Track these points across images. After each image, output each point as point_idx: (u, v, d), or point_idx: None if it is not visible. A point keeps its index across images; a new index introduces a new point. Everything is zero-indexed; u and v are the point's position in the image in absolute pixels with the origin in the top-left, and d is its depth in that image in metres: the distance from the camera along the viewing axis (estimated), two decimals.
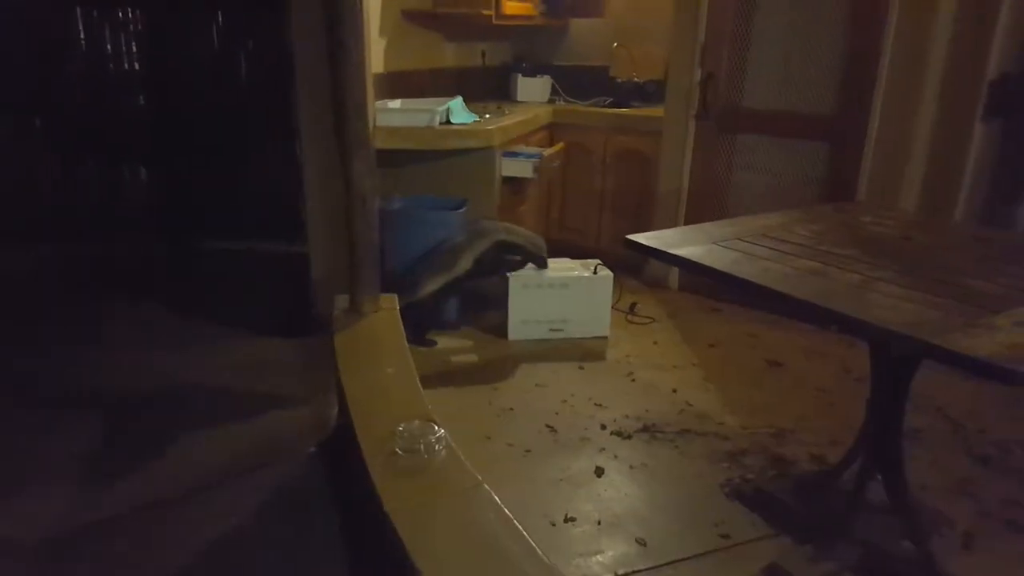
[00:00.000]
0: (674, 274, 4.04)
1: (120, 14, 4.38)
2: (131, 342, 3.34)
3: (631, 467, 2.42)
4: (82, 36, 4.39)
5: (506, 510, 1.47)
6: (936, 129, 3.15)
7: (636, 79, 4.46)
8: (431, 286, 3.13)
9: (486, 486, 1.56)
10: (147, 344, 3.30)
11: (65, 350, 3.23)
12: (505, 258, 3.29)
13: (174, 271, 4.39)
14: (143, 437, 2.57)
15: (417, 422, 1.78)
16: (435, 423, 1.77)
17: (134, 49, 4.47)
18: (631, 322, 3.56)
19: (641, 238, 2.00)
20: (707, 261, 1.83)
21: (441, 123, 3.43)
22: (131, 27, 4.42)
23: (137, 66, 4.50)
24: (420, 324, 3.19)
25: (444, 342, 3.34)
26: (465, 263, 3.18)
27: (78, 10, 4.33)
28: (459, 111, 3.57)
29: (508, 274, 3.33)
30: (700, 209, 3.86)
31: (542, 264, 3.34)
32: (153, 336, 3.41)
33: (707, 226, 2.21)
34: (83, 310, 3.72)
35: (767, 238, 2.04)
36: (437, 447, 1.69)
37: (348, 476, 2.25)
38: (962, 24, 2.99)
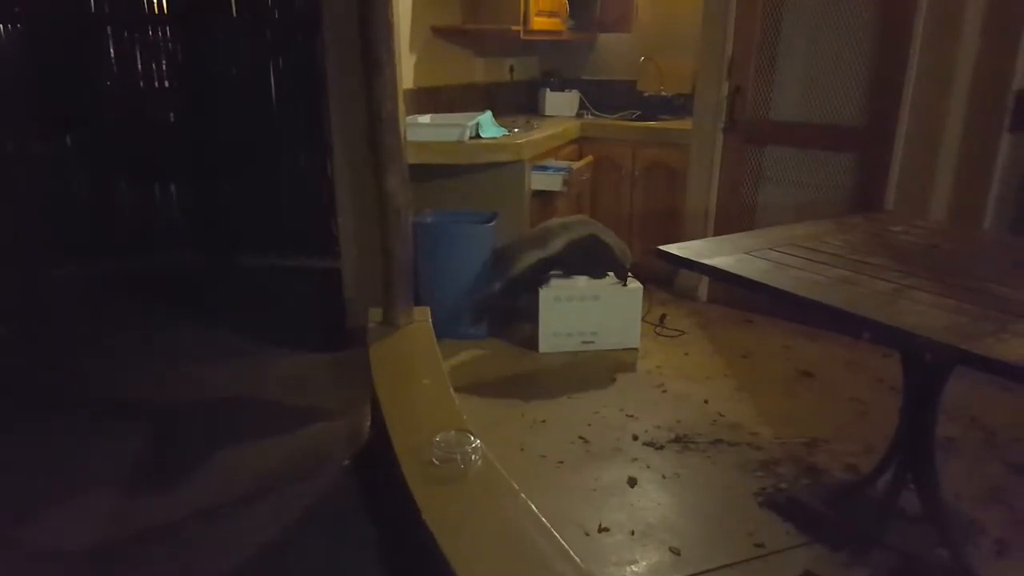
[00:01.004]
0: (704, 286, 4.04)
1: (151, 32, 4.52)
2: (171, 355, 3.44)
3: (663, 477, 2.43)
4: (113, 54, 4.52)
5: (543, 519, 1.50)
6: (963, 139, 3.14)
7: (663, 92, 4.50)
8: (526, 260, 3.21)
9: (523, 495, 1.59)
10: (188, 357, 3.40)
11: (113, 362, 3.34)
12: (593, 255, 3.31)
13: (211, 287, 4.51)
14: (186, 449, 2.65)
15: (453, 432, 1.81)
16: (471, 433, 1.81)
17: (164, 67, 4.60)
18: (660, 335, 3.56)
19: (673, 248, 2.03)
20: (738, 270, 1.85)
21: (471, 137, 3.49)
22: (163, 45, 4.55)
23: (167, 83, 4.63)
24: (508, 305, 3.30)
25: (476, 354, 3.39)
26: (559, 243, 3.25)
27: (109, 29, 4.47)
28: (488, 125, 3.63)
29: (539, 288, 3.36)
30: (728, 220, 3.87)
31: (622, 275, 3.36)
32: (193, 350, 3.51)
33: (737, 236, 2.23)
34: (127, 324, 3.84)
35: (798, 247, 2.06)
36: (473, 457, 1.73)
37: (383, 487, 2.30)
38: (987, 36, 2.99)
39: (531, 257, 3.26)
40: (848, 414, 2.85)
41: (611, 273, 3.40)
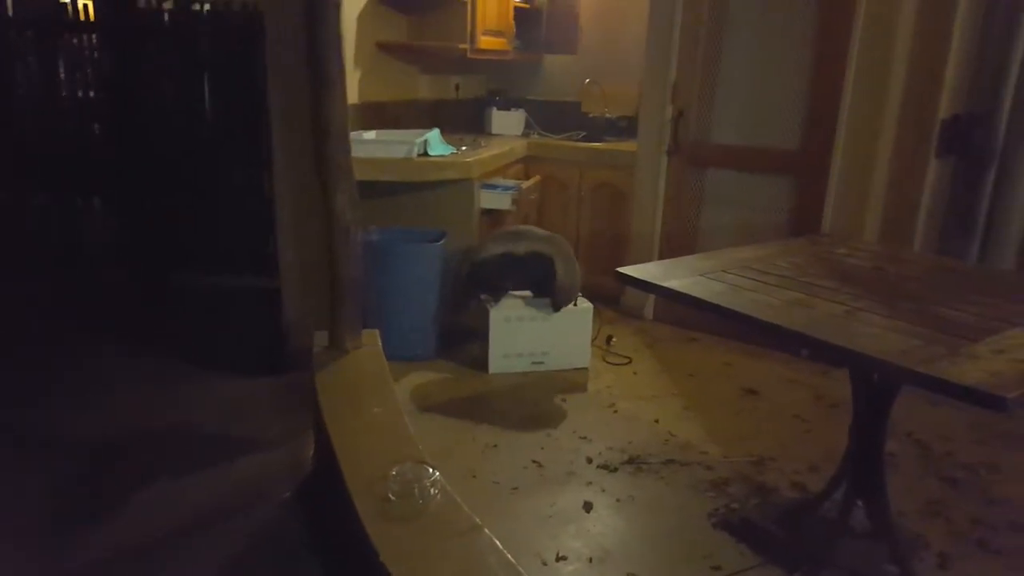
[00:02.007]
0: (650, 304, 4.08)
1: (76, 40, 4.30)
2: (97, 381, 3.23)
3: (618, 500, 2.42)
4: (34, 63, 4.29)
5: (508, 554, 1.46)
6: (894, 164, 3.29)
7: (608, 114, 4.55)
8: (493, 250, 3.30)
9: (486, 530, 1.54)
10: (115, 383, 3.21)
11: (31, 390, 3.12)
12: (542, 276, 3.31)
13: (141, 307, 4.29)
14: (114, 482, 2.48)
15: (410, 464, 1.75)
16: (428, 465, 1.75)
17: (89, 76, 4.38)
18: (608, 362, 3.56)
19: (631, 271, 2.03)
20: (696, 293, 1.86)
21: (419, 155, 3.45)
22: (88, 53, 4.33)
23: (92, 94, 4.41)
24: (475, 288, 3.36)
25: (424, 376, 3.32)
26: (524, 247, 3.31)
27: (28, 34, 4.24)
28: (437, 143, 3.59)
29: (489, 306, 3.33)
30: (674, 240, 3.93)
31: (555, 308, 3.33)
32: (121, 375, 3.31)
33: (691, 259, 2.25)
34: (47, 347, 3.60)
35: (749, 270, 2.09)
36: (432, 490, 1.67)
37: (329, 522, 2.20)
38: (916, 66, 3.15)
39: (498, 248, 3.30)
40: (792, 431, 2.90)
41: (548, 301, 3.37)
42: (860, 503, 2.03)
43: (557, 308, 3.32)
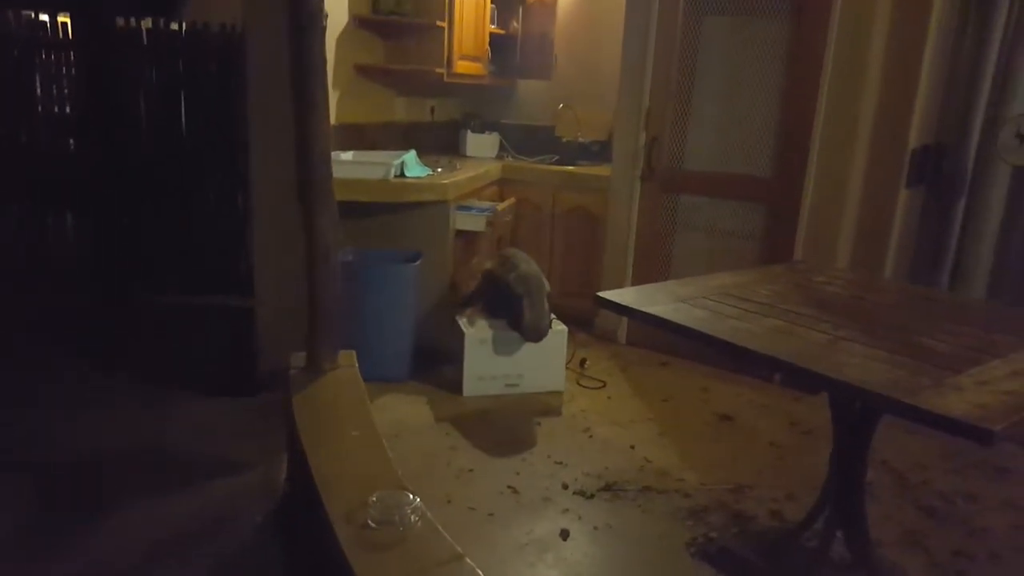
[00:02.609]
0: (623, 328, 4.09)
1: (53, 56, 4.23)
2: (62, 402, 3.12)
3: (595, 528, 2.39)
4: (11, 80, 4.21)
5: None
6: (865, 193, 3.36)
7: (581, 139, 4.59)
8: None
9: (468, 559, 1.50)
10: (81, 404, 3.09)
11: None
12: (513, 312, 3.30)
13: (109, 325, 4.15)
14: (77, 508, 2.38)
15: (390, 491, 1.70)
16: (409, 491, 1.70)
17: (66, 93, 4.30)
18: (583, 386, 3.55)
19: (612, 295, 2.03)
20: (678, 319, 1.86)
21: (396, 176, 3.42)
22: (65, 70, 4.26)
23: (68, 110, 4.33)
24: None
25: (398, 397, 3.26)
26: (510, 276, 3.33)
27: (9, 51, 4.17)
28: (413, 164, 3.57)
29: (464, 328, 3.31)
30: (647, 264, 3.95)
31: (521, 333, 3.31)
32: (88, 395, 3.19)
33: (670, 284, 2.25)
34: (11, 366, 3.46)
35: (729, 296, 2.10)
36: (413, 517, 1.62)
37: (303, 547, 2.14)
38: (887, 96, 3.23)
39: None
40: (767, 458, 2.91)
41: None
42: (840, 533, 2.03)
43: (527, 339, 3.32)
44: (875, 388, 1.42)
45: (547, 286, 3.41)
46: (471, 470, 2.71)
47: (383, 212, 3.48)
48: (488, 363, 3.32)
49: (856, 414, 1.93)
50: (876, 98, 3.25)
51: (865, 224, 3.37)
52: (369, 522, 1.62)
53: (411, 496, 1.68)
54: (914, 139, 3.23)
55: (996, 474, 2.85)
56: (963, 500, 2.64)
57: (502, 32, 4.66)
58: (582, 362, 3.75)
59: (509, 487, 2.61)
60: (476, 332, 3.31)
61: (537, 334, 3.29)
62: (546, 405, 3.31)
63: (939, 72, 3.25)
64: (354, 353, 2.50)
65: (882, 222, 3.32)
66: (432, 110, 4.77)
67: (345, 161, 3.43)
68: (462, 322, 3.39)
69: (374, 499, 1.66)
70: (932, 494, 2.67)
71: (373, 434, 2.03)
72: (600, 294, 2.05)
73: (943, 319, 2.03)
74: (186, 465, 2.67)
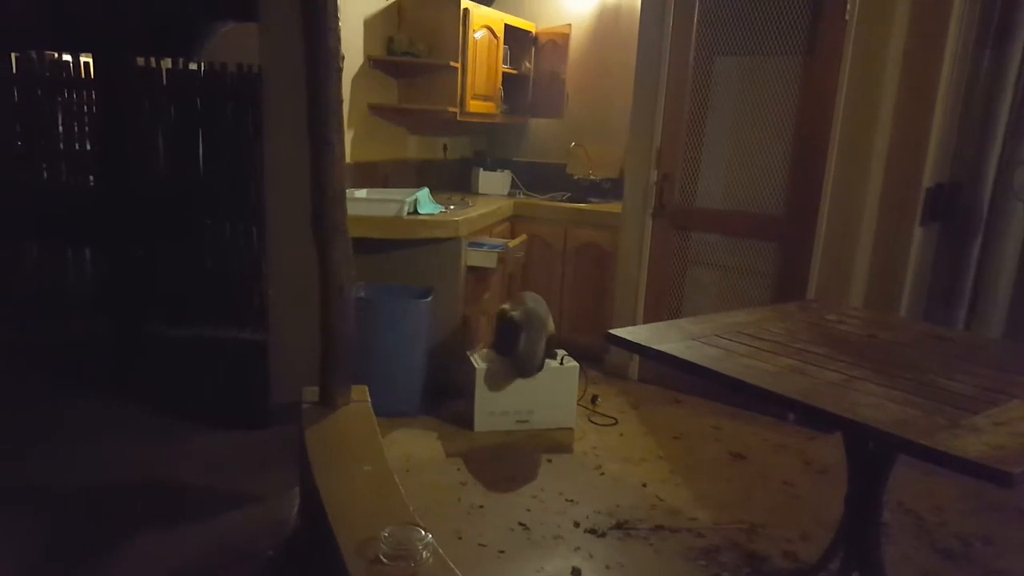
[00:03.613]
0: (634, 365, 4.08)
1: (74, 95, 4.34)
2: (77, 433, 3.13)
3: (608, 567, 2.37)
4: (34, 118, 4.31)
5: None
6: (879, 232, 3.36)
7: (592, 176, 4.64)
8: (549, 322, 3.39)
9: None
10: (93, 436, 3.11)
11: (9, 442, 3.00)
12: (512, 333, 3.32)
13: (123, 357, 4.19)
14: (93, 538, 2.38)
15: (402, 526, 1.70)
16: (420, 527, 1.70)
17: (87, 130, 4.41)
18: (594, 423, 3.53)
19: (624, 333, 2.03)
20: (691, 358, 1.86)
21: (409, 213, 3.47)
22: (86, 109, 4.37)
23: (88, 147, 4.43)
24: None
25: (409, 432, 3.26)
26: (519, 309, 3.37)
27: (20, 88, 4.28)
28: (426, 201, 3.62)
29: (475, 364, 3.32)
30: (658, 301, 3.96)
31: (517, 372, 3.33)
32: (101, 428, 3.21)
33: (682, 322, 2.26)
34: (26, 398, 3.49)
35: (742, 335, 2.10)
36: (424, 553, 1.62)
37: None
38: (900, 134, 3.25)
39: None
40: (781, 498, 2.88)
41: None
42: (856, 574, 2.00)
43: (518, 373, 3.32)
44: (889, 428, 1.41)
45: (551, 327, 3.41)
46: (481, 506, 2.70)
47: (396, 248, 3.52)
48: (499, 399, 3.32)
49: (871, 454, 1.91)
50: (889, 136, 3.27)
51: (879, 262, 3.37)
52: (381, 557, 1.61)
53: (422, 532, 1.67)
54: (928, 177, 3.24)
55: (1015, 516, 2.81)
56: (981, 543, 2.60)
57: (514, 72, 4.75)
58: (593, 399, 3.74)
59: (520, 524, 2.59)
60: (486, 367, 3.31)
61: (526, 366, 3.29)
62: (557, 441, 3.30)
63: (953, 110, 3.26)
64: (366, 388, 2.50)
65: (896, 260, 3.32)
66: (445, 148, 4.84)
67: (359, 198, 3.48)
68: (473, 357, 3.40)
69: (386, 534, 1.65)
70: (949, 536, 2.63)
71: (385, 469, 2.03)
72: (611, 331, 2.06)
73: (959, 358, 2.02)
74: (198, 497, 2.68)
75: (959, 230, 3.31)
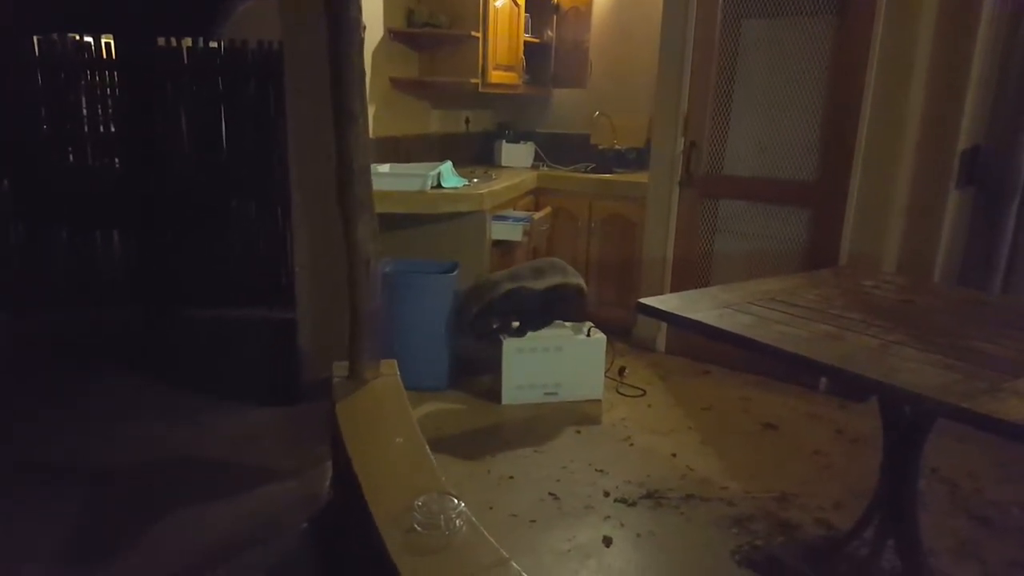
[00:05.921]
0: (662, 336, 4.06)
1: (97, 78, 4.36)
2: (113, 413, 3.21)
3: (639, 535, 2.37)
4: (56, 99, 4.34)
5: None
6: (912, 196, 3.28)
7: (617, 146, 4.58)
8: (507, 286, 3.25)
9: (513, 563, 1.50)
10: (130, 415, 3.18)
11: (45, 422, 3.09)
12: (566, 303, 3.36)
13: (154, 339, 4.27)
14: (126, 515, 2.45)
15: (435, 495, 1.71)
16: (453, 496, 1.71)
17: (111, 113, 4.43)
18: (622, 394, 3.53)
19: (654, 302, 2.01)
20: (723, 325, 1.84)
21: (432, 187, 3.46)
22: (109, 91, 4.40)
23: (113, 129, 4.46)
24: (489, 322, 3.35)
25: (437, 407, 3.28)
26: (546, 282, 3.31)
27: (57, 73, 4.30)
28: (449, 175, 3.60)
29: (501, 337, 3.32)
30: (685, 272, 3.92)
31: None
32: (136, 407, 3.28)
33: (713, 290, 2.23)
34: (63, 379, 3.57)
35: (775, 302, 2.07)
36: (458, 522, 1.63)
37: (348, 553, 2.16)
38: (935, 96, 3.15)
39: (510, 285, 3.26)
40: (813, 467, 2.86)
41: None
42: (891, 542, 1.98)
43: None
44: (929, 392, 1.38)
45: (553, 282, 3.35)
46: (511, 477, 2.71)
47: (420, 223, 3.51)
48: (526, 372, 3.32)
49: (908, 420, 1.88)
50: (923, 97, 3.17)
51: (913, 227, 3.29)
52: (415, 526, 1.63)
53: (456, 500, 1.68)
54: (964, 140, 3.15)
55: None
56: (1018, 509, 2.56)
57: (536, 41, 4.68)
58: (621, 370, 3.72)
59: (550, 494, 2.60)
60: (514, 341, 3.31)
61: (461, 319, 3.32)
62: (585, 413, 3.30)
63: (989, 70, 3.15)
64: (395, 362, 2.52)
65: (931, 225, 3.24)
66: (467, 121, 4.80)
67: (382, 173, 3.47)
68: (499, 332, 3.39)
69: (419, 503, 1.67)
70: (985, 503, 2.59)
71: (417, 440, 2.04)
72: (642, 300, 2.03)
73: (997, 323, 1.98)
74: (232, 472, 2.74)
75: (995, 194, 3.22)
